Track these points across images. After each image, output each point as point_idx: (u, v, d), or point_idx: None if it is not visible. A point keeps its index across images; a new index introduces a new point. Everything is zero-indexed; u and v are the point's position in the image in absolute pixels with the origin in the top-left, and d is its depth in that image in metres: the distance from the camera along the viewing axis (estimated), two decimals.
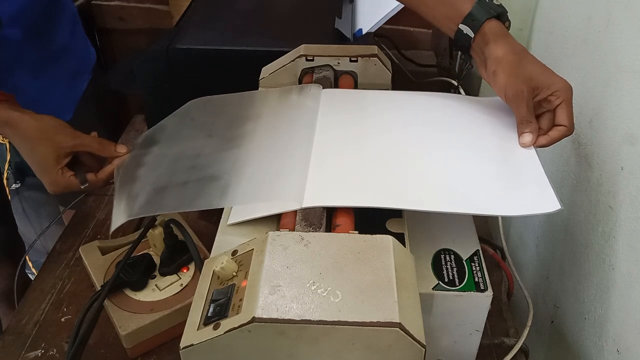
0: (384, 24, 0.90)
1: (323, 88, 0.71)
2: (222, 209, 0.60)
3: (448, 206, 0.54)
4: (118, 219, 0.62)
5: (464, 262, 0.58)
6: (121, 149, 0.72)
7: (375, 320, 0.41)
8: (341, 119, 0.67)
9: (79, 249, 0.77)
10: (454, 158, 0.60)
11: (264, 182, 0.59)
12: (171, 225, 0.69)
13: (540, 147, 0.61)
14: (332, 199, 0.55)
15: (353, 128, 0.65)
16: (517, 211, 0.54)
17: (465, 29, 0.63)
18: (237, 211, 0.58)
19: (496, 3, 0.63)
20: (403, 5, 0.82)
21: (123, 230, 0.79)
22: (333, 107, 0.68)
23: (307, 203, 0.54)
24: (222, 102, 0.74)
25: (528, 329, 0.64)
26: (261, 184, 0.59)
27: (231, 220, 0.57)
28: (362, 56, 0.75)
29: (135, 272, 0.69)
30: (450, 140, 0.63)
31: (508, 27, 0.64)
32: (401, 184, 0.56)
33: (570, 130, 0.60)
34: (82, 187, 0.70)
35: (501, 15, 0.63)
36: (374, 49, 0.75)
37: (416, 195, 0.55)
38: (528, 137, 0.61)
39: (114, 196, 0.66)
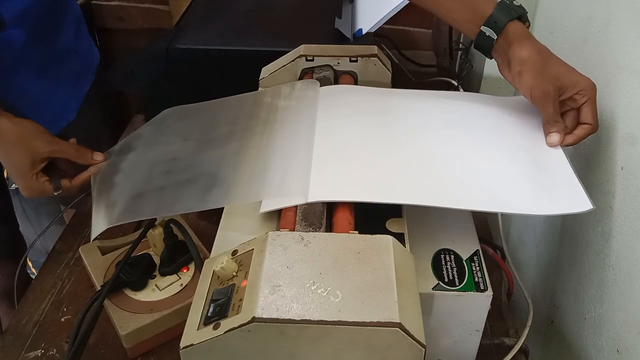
0: (384, 24, 0.90)
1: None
2: (222, 208, 0.60)
3: (475, 204, 0.54)
4: (98, 226, 0.62)
5: (464, 262, 0.58)
6: (98, 156, 0.72)
7: (375, 320, 0.41)
8: (352, 114, 0.66)
9: (79, 249, 0.77)
10: (478, 156, 0.60)
11: (252, 180, 0.59)
12: (171, 225, 0.69)
13: (567, 145, 0.61)
14: (340, 194, 0.55)
15: (379, 125, 0.65)
16: (549, 210, 0.54)
17: (488, 31, 0.63)
18: (268, 201, 0.57)
19: (516, 4, 0.63)
20: (403, 5, 0.82)
21: (123, 230, 0.79)
22: (333, 102, 0.68)
23: (312, 198, 0.54)
24: (197, 109, 0.75)
25: (528, 329, 0.64)
26: (248, 182, 0.59)
27: (263, 209, 0.56)
28: (362, 56, 0.75)
29: (135, 272, 0.69)
30: (474, 138, 0.63)
31: (528, 27, 0.64)
32: (417, 181, 0.56)
33: (595, 128, 0.61)
34: (55, 193, 0.70)
35: (522, 16, 0.63)
36: (374, 49, 0.75)
37: (433, 192, 0.55)
38: (555, 137, 0.61)
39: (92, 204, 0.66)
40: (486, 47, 0.64)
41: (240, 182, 0.60)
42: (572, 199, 0.55)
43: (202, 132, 0.70)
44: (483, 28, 0.63)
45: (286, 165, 0.60)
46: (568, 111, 0.62)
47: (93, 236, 0.62)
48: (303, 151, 0.61)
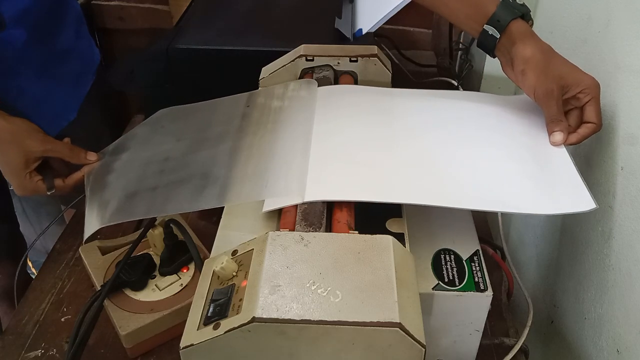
0: (384, 23, 0.90)
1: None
2: (222, 208, 0.60)
3: (477, 204, 0.54)
4: (90, 226, 0.62)
5: (464, 262, 0.58)
6: (91, 156, 0.73)
7: (375, 320, 0.41)
8: (352, 114, 0.66)
9: (79, 249, 0.77)
10: (480, 155, 0.60)
11: (245, 180, 0.59)
12: (171, 225, 0.69)
13: (571, 144, 0.62)
14: (339, 194, 0.55)
15: (378, 125, 0.65)
16: (551, 210, 0.54)
17: (491, 30, 0.63)
18: (271, 200, 0.57)
19: (519, 2, 0.63)
20: (403, 5, 0.82)
21: (123, 230, 0.79)
22: (332, 102, 0.68)
23: (310, 197, 0.54)
24: (192, 109, 0.75)
25: (528, 329, 0.64)
26: (241, 183, 0.59)
27: (265, 208, 0.56)
28: (362, 56, 0.75)
29: (135, 272, 0.69)
30: (475, 137, 0.63)
31: (531, 26, 0.64)
32: (417, 180, 0.56)
33: (599, 127, 0.61)
34: (48, 192, 0.70)
35: (525, 15, 0.63)
36: (374, 49, 0.75)
37: (433, 191, 0.55)
38: (559, 136, 0.61)
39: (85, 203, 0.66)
40: (489, 46, 0.64)
41: (233, 182, 0.60)
42: (576, 198, 0.55)
43: (195, 132, 0.70)
44: (486, 27, 0.63)
45: (282, 165, 0.60)
46: (571, 110, 0.62)
47: (86, 236, 0.62)
48: (300, 151, 0.61)
